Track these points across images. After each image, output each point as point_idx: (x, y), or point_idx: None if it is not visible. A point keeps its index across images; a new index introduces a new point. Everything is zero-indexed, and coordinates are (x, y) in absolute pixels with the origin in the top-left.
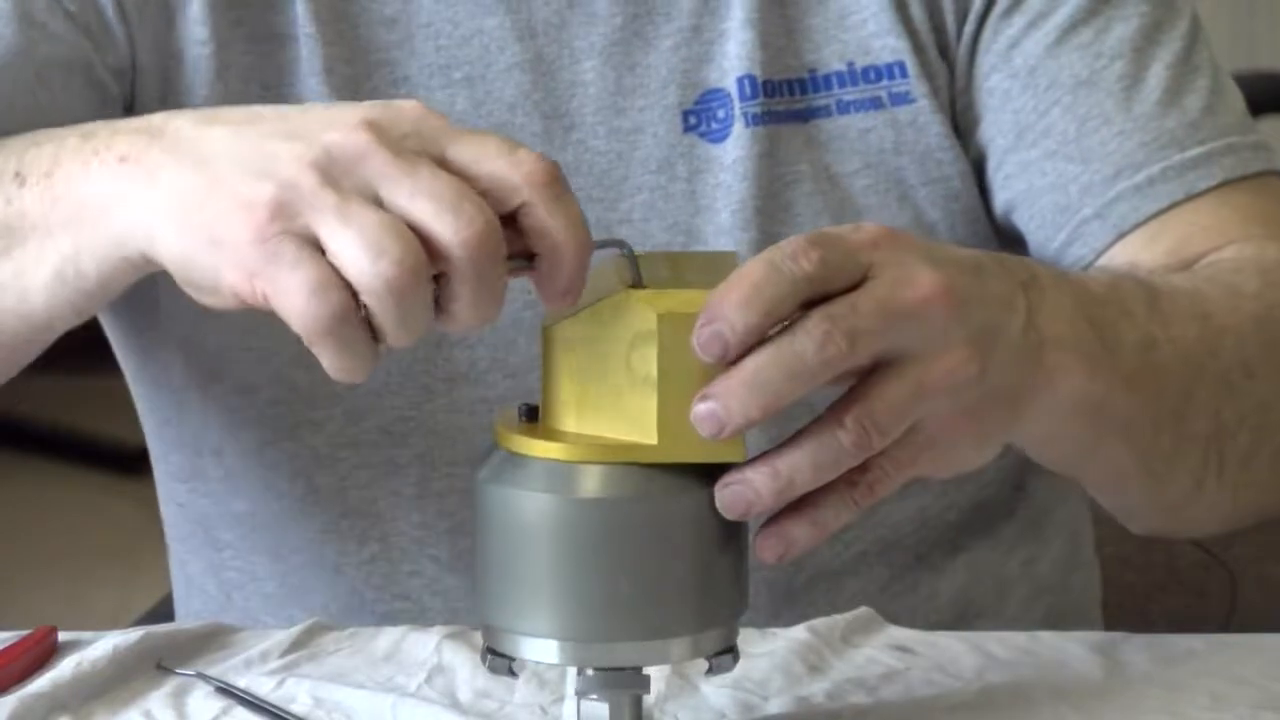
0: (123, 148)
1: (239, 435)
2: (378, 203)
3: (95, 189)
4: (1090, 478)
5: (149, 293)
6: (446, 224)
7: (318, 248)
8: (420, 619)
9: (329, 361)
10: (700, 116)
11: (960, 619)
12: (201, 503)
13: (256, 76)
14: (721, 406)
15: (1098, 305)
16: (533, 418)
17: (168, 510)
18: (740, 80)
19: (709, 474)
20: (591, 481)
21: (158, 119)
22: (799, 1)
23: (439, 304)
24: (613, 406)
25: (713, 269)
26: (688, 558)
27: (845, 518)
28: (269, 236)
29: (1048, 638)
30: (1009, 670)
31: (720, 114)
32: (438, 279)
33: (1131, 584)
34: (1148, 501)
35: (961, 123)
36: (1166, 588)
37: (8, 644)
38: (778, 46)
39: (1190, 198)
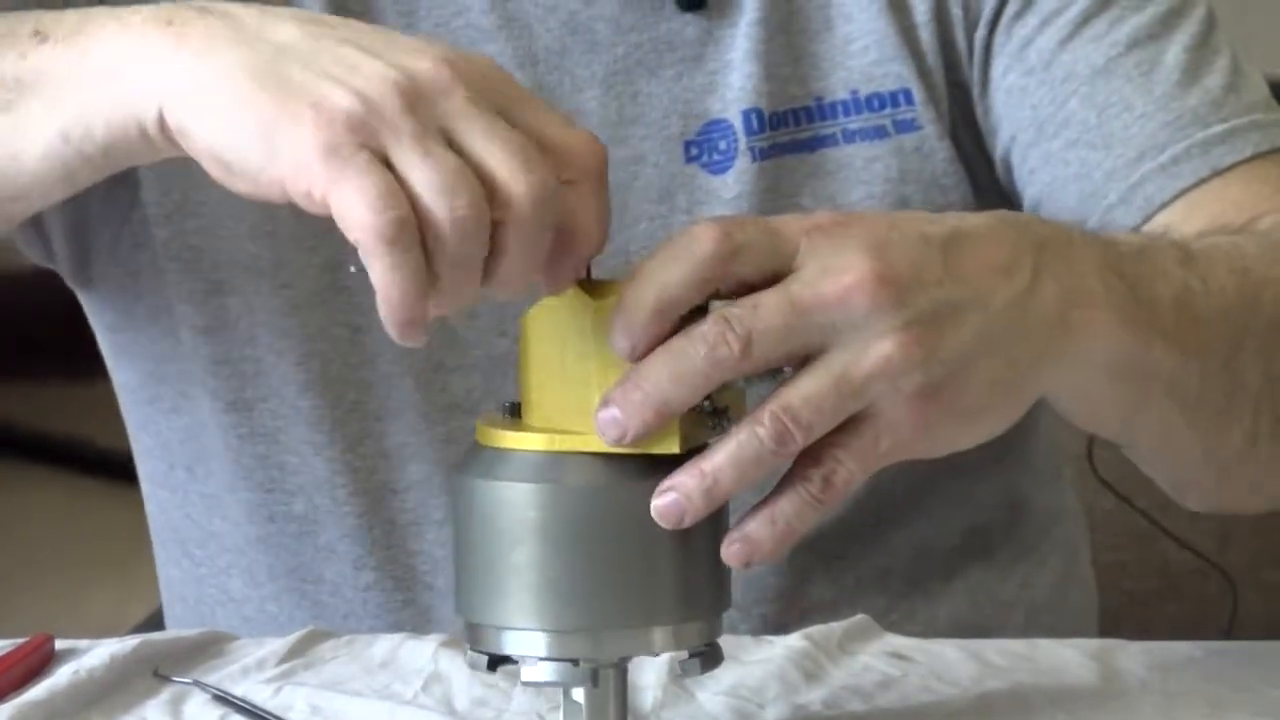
0: (170, 14)
1: (224, 454)
2: (449, 141)
3: (137, 47)
4: (1141, 440)
5: (149, 282)
6: (519, 176)
7: (386, 163)
8: None
9: (382, 273)
10: (702, 147)
11: None
12: (174, 515)
13: None
14: (621, 413)
15: (1130, 262)
16: (515, 414)
17: (149, 510)
18: (746, 114)
19: (686, 461)
20: (566, 471)
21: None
22: (804, 29)
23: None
24: (569, 397)
25: None
26: (665, 547)
27: (809, 515)
28: (341, 146)
29: (1045, 645)
30: (1006, 677)
31: (722, 145)
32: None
33: (1130, 592)
34: (1201, 462)
35: (984, 129)
36: (1164, 595)
37: (4, 652)
38: (783, 76)
39: (1218, 174)
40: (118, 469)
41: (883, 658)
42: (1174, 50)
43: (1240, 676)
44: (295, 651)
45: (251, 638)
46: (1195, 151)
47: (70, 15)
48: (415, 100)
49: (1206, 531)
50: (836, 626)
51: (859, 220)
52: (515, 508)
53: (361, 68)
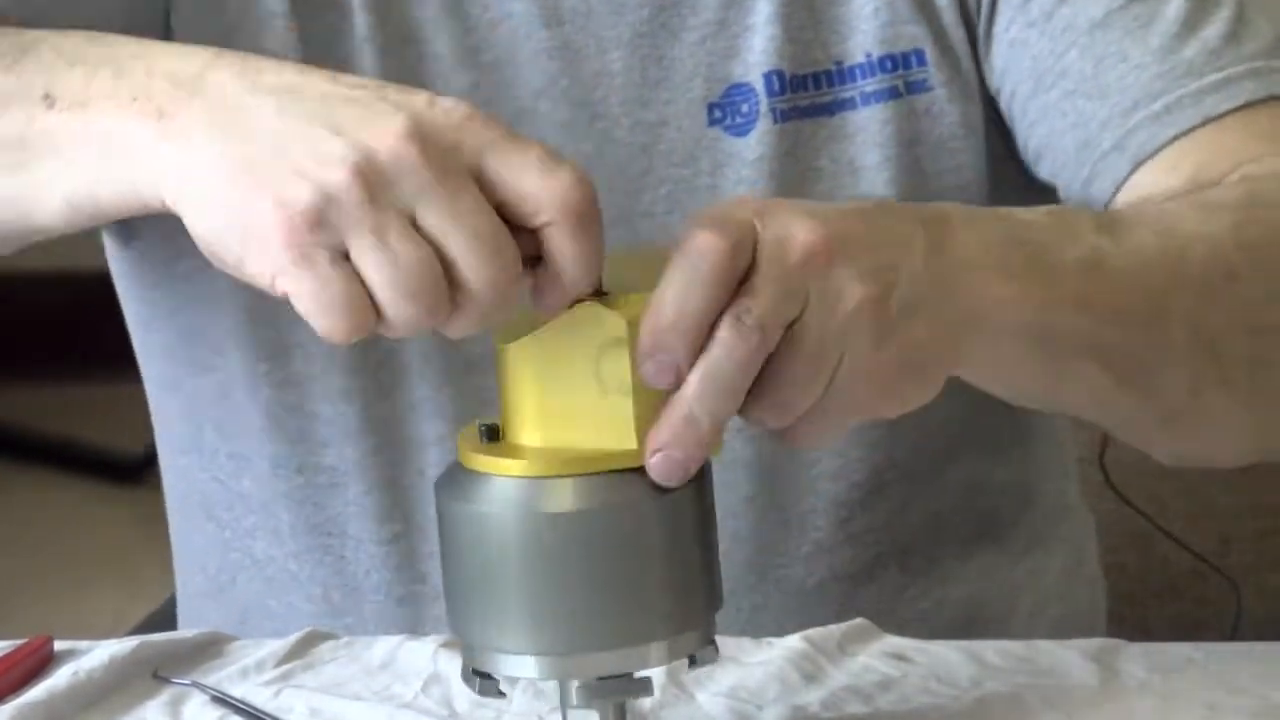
0: (161, 100)
1: (254, 405)
2: (413, 220)
3: (131, 133)
4: (1071, 404)
5: (174, 255)
6: (477, 266)
7: (348, 258)
8: (437, 602)
9: (325, 335)
10: (725, 110)
11: (970, 624)
12: (200, 478)
13: (318, 42)
14: (677, 452)
15: (1034, 231)
16: (493, 437)
17: (168, 482)
18: (768, 75)
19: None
20: (557, 496)
21: (196, 66)
22: None
23: None
24: (582, 417)
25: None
26: (657, 563)
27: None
28: (303, 245)
29: (1045, 646)
30: (1005, 679)
31: (744, 108)
32: None
33: (1130, 593)
34: (1141, 417)
35: (991, 86)
36: (1165, 597)
37: (4, 653)
38: (805, 40)
39: (1209, 122)
40: (121, 471)
41: (882, 658)
42: (1174, 3)
43: (1240, 679)
44: (294, 653)
45: (269, 608)
46: (1188, 101)
47: (77, 75)
48: (376, 187)
49: (1208, 533)
50: (835, 629)
51: (775, 200)
52: (502, 534)
53: (325, 152)
